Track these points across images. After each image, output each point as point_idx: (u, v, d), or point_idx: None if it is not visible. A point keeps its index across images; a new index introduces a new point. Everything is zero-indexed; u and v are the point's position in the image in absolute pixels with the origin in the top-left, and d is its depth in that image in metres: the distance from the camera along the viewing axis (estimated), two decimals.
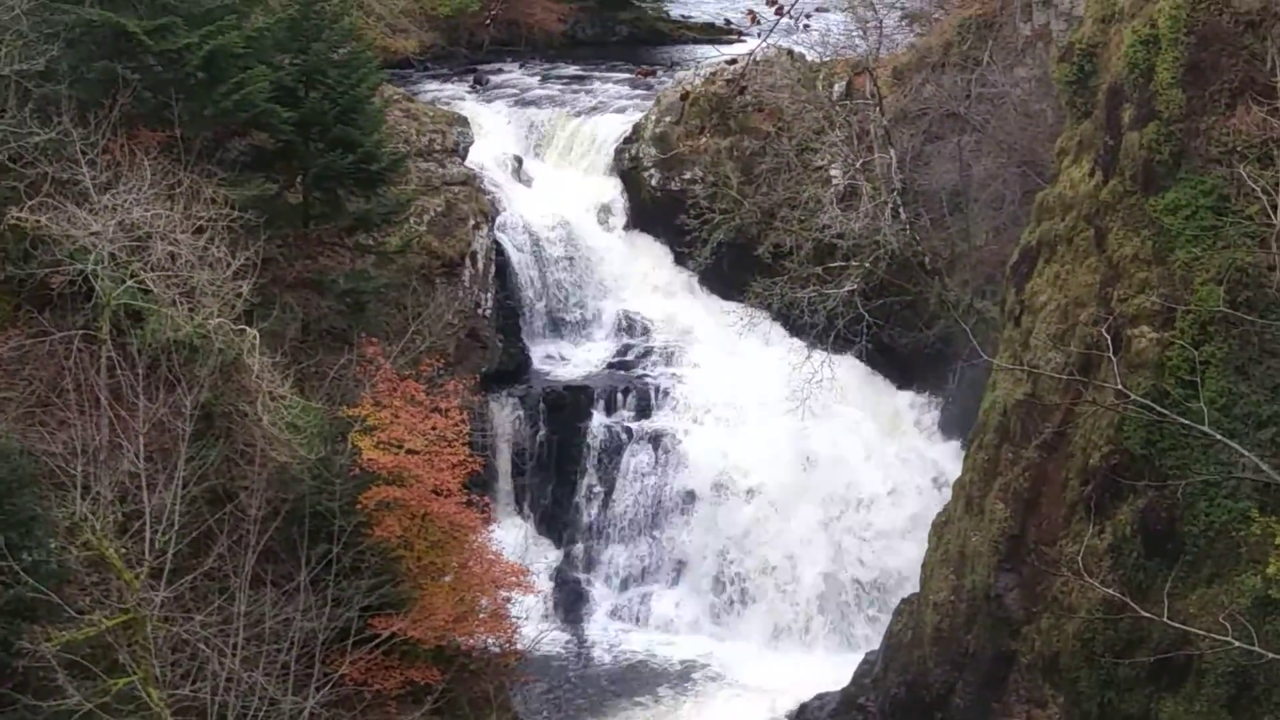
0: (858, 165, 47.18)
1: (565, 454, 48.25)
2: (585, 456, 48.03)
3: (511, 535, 46.77)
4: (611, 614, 46.49)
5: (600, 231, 53.38)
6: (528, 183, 54.06)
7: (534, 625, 41.76)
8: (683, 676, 44.10)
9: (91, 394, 28.17)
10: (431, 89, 59.37)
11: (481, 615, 32.41)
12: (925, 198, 47.19)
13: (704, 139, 52.69)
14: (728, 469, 46.96)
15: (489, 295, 49.58)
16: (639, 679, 44.05)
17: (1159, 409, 28.55)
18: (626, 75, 60.39)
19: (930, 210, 47.00)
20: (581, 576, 47.28)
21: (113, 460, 26.84)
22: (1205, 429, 25.25)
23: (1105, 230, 34.00)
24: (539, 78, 61.28)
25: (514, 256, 50.96)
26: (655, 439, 47.63)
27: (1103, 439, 33.18)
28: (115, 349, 29.02)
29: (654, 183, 53.29)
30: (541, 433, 48.43)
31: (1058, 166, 37.22)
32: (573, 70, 62.31)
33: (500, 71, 62.40)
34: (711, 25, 70.20)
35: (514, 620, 34.22)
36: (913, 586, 40.72)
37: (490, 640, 32.91)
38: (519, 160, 54.43)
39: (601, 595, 46.90)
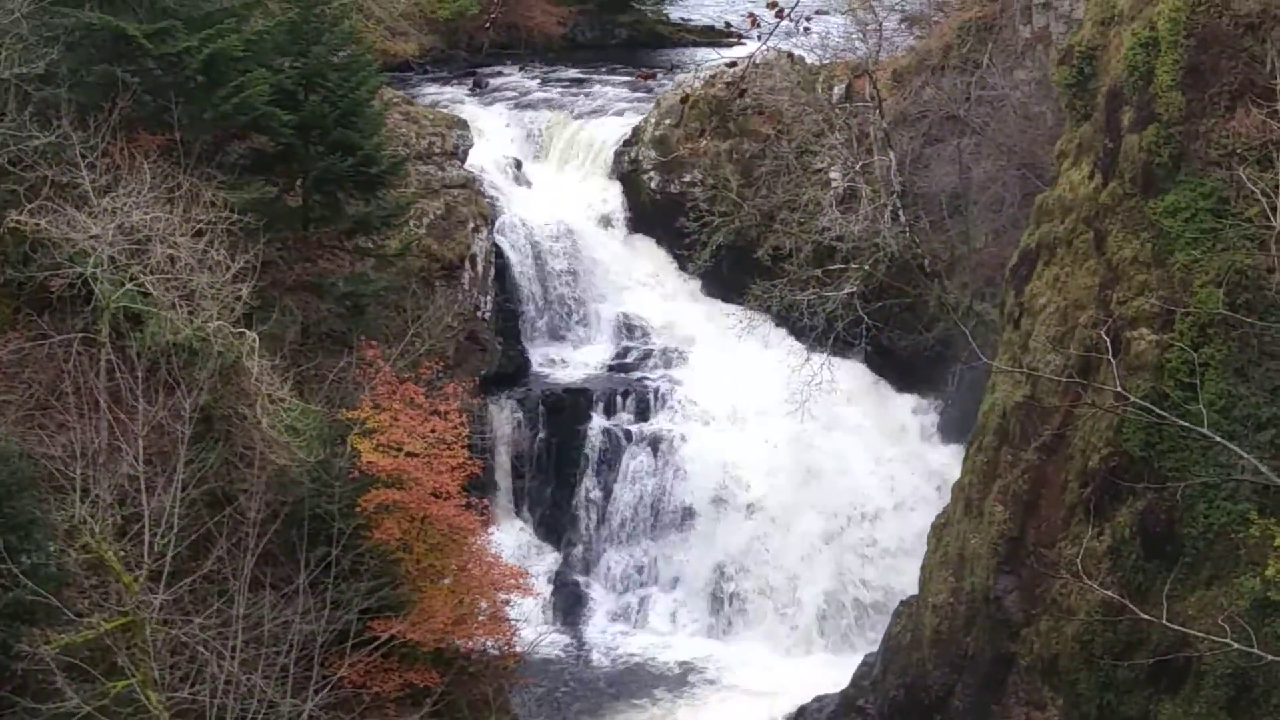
0: (857, 168, 47.18)
1: (564, 456, 48.23)
2: (584, 459, 48.02)
3: (511, 538, 46.73)
4: (610, 617, 46.48)
5: (600, 234, 53.33)
6: (527, 186, 54.06)
7: (533, 628, 41.73)
8: (681, 679, 44.05)
9: (91, 397, 28.14)
10: (431, 92, 59.39)
11: (480, 618, 32.37)
12: (925, 200, 47.18)
13: (704, 142, 52.67)
14: (727, 481, 46.80)
15: (488, 298, 49.56)
16: (637, 681, 44.00)
17: (1158, 411, 28.51)
18: (626, 78, 60.46)
19: (930, 213, 46.99)
20: (580, 579, 47.27)
21: (112, 463, 26.82)
22: (1204, 431, 25.29)
23: (1105, 233, 33.99)
24: (538, 81, 61.29)
25: (513, 259, 50.92)
26: (655, 441, 47.59)
27: (1102, 441, 33.16)
28: (114, 352, 28.98)
29: (653, 185, 53.25)
30: (541, 435, 48.42)
31: (1057, 169, 37.20)
32: (572, 73, 62.33)
33: (500, 74, 62.46)
34: (711, 28, 70.23)
35: (513, 623, 34.20)
36: None
37: (489, 643, 32.87)
38: (518, 163, 54.43)
39: (600, 598, 46.89)
